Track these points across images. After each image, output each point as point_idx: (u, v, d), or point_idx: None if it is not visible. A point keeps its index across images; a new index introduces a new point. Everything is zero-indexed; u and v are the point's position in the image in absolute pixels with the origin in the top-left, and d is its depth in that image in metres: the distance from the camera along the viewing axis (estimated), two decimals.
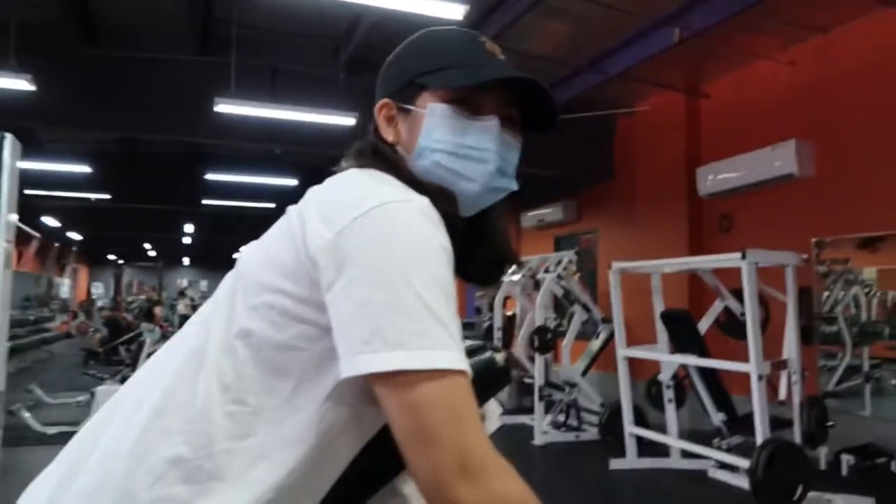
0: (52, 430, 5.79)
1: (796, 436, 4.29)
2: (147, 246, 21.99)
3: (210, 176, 9.61)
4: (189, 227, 16.04)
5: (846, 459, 4.86)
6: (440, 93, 0.84)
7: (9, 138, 3.70)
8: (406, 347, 0.65)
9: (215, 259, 28.03)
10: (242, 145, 8.19)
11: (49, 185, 9.39)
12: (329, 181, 0.82)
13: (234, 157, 9.64)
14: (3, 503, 3.68)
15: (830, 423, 4.61)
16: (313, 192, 0.80)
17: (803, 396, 4.41)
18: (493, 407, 0.96)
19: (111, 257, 25.39)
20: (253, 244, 0.84)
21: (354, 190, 0.77)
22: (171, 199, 11.01)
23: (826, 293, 5.63)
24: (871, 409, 5.29)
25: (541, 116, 0.89)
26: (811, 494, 3.95)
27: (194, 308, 18.58)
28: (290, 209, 0.80)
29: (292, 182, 9.63)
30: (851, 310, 5.51)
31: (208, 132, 6.65)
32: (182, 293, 21.40)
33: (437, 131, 0.84)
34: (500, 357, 0.91)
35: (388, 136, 0.88)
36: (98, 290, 22.64)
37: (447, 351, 0.66)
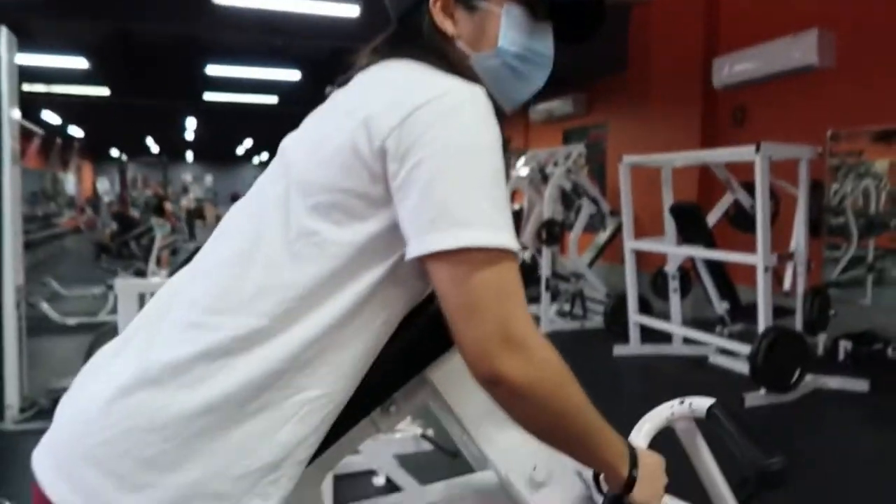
0: (71, 321, 5.99)
1: (797, 324, 4.39)
2: (150, 141, 21.77)
3: (211, 70, 9.35)
4: (191, 122, 15.82)
5: (844, 345, 5.02)
6: None
7: (3, 31, 3.58)
8: (472, 227, 0.68)
9: (219, 154, 27.81)
10: (242, 38, 7.92)
11: (47, 79, 9.18)
12: (379, 73, 0.82)
13: (235, 50, 9.34)
14: (34, 386, 3.87)
15: (832, 312, 4.72)
16: (367, 84, 0.80)
17: (807, 287, 4.49)
18: None
19: (114, 153, 25.20)
20: (295, 138, 0.83)
21: (414, 79, 0.77)
22: (172, 93, 10.77)
23: (836, 186, 5.60)
24: (872, 298, 5.39)
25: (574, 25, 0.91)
26: (808, 378, 4.11)
27: (197, 202, 18.66)
28: (339, 102, 0.80)
29: (295, 75, 9.38)
30: (860, 202, 5.50)
31: (207, 24, 6.41)
32: (185, 189, 21.37)
33: (513, 32, 0.85)
34: (526, 256, 0.93)
35: (448, 28, 0.85)
36: (103, 185, 22.58)
37: (504, 232, 0.70)
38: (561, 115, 8.94)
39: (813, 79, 5.50)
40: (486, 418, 0.91)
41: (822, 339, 5.08)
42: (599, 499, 0.91)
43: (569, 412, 0.75)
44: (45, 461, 0.72)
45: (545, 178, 6.81)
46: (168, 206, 11.67)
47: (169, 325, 0.74)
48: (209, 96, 10.59)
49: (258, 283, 0.73)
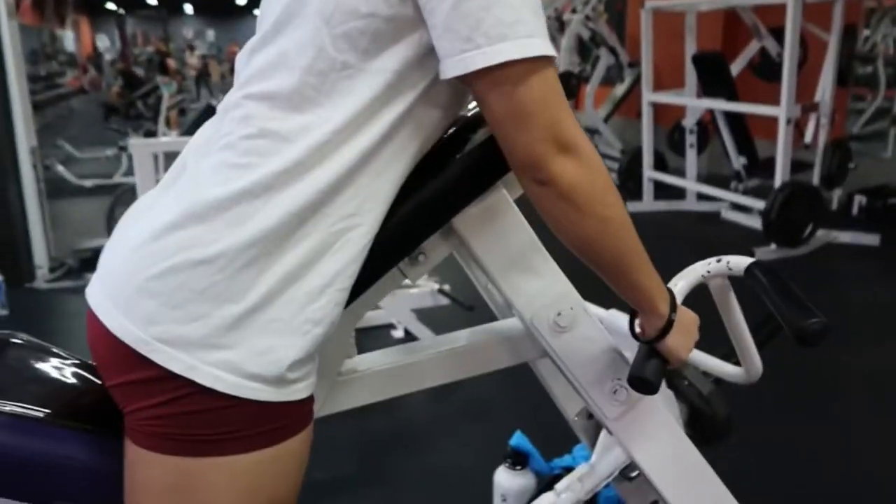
0: (88, 183, 6.04)
1: (815, 178, 4.35)
2: None
3: None
4: None
5: (858, 200, 4.99)
6: None
7: None
8: (508, 38, 0.67)
9: (220, 5, 26.61)
10: None
11: None
12: None
13: None
14: (60, 247, 3.98)
15: (852, 165, 4.65)
16: None
17: (828, 139, 4.39)
18: None
19: (111, 6, 24.12)
20: None
21: None
22: None
23: (866, 32, 5.32)
24: (893, 151, 5.30)
25: None
26: (820, 232, 4.13)
27: (203, 60, 18.08)
28: None
29: None
30: (891, 50, 5.25)
31: None
32: (190, 46, 20.63)
33: None
34: None
35: None
36: (103, 43, 21.83)
37: (542, 39, 0.69)
38: None
39: None
40: (512, 266, 0.93)
41: (837, 194, 5.05)
42: (628, 345, 0.93)
43: (614, 220, 0.76)
44: (99, 295, 0.74)
45: (562, 26, 6.50)
46: (171, 62, 11.35)
47: (210, 166, 0.74)
48: None
49: (295, 121, 0.73)
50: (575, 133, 0.72)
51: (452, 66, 0.69)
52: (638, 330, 0.90)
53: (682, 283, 1.02)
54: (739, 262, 0.99)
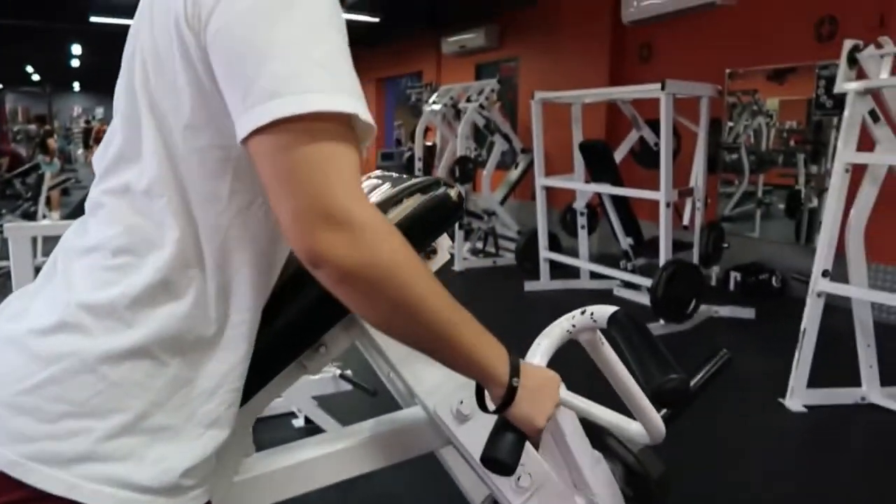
0: None
1: (695, 257, 4.67)
2: (30, 69, 19.96)
3: None
4: (77, 49, 14.58)
5: (734, 276, 5.40)
6: None
7: None
8: (279, 95, 0.59)
9: (111, 84, 25.89)
10: None
11: None
12: None
13: None
14: None
15: (725, 245, 5.04)
16: None
17: (704, 221, 4.76)
18: (445, 241, 1.00)
19: None
20: (131, 49, 0.75)
21: None
22: (53, 14, 9.85)
23: (731, 123, 5.89)
24: (760, 231, 5.79)
25: None
26: (702, 308, 4.40)
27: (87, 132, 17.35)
28: None
29: None
30: (752, 139, 5.82)
31: None
32: (88, 121, 19.82)
33: None
34: (454, 193, 0.93)
35: None
36: None
37: (324, 94, 0.60)
38: (473, 49, 8.85)
39: (714, 16, 5.67)
40: (413, 356, 0.92)
41: (715, 271, 5.44)
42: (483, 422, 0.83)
43: (409, 301, 0.65)
44: None
45: (458, 114, 6.78)
46: (52, 141, 10.83)
47: (82, 268, 0.71)
48: (97, 19, 9.76)
49: (157, 218, 0.70)
50: (348, 203, 0.60)
51: (237, 134, 0.62)
52: (489, 404, 0.82)
53: (545, 342, 0.93)
54: (603, 313, 0.91)
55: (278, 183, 0.61)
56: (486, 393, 0.81)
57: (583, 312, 0.93)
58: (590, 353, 0.97)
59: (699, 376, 1.00)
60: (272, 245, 0.76)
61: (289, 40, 0.60)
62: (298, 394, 2.63)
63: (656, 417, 0.95)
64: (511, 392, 0.77)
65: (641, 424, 0.95)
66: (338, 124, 0.61)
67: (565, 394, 0.86)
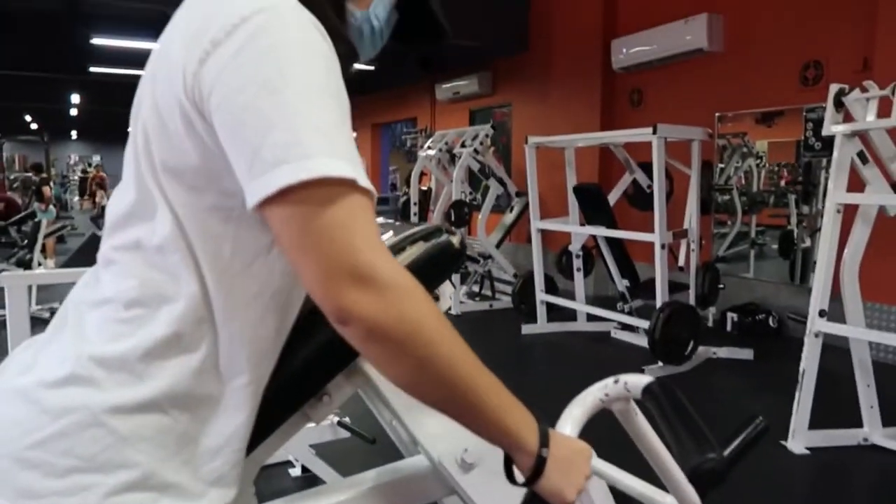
0: None
1: (691, 298, 4.68)
2: (28, 118, 20.17)
3: (97, 40, 8.76)
4: (76, 98, 14.77)
5: (731, 317, 5.40)
6: None
7: None
8: (286, 162, 0.59)
9: (109, 132, 26.17)
10: (132, 5, 7.45)
11: None
12: None
13: (124, 19, 8.78)
14: None
15: (721, 286, 5.05)
16: (177, 20, 0.72)
17: (699, 262, 4.78)
18: (447, 287, 1.00)
19: None
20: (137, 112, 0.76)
21: (222, 2, 0.66)
22: (52, 65, 10.00)
23: (722, 165, 5.97)
24: (754, 271, 5.81)
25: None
26: (700, 349, 4.39)
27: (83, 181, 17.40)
28: (155, 59, 0.72)
29: None
30: (743, 181, 5.90)
31: None
32: (85, 171, 19.92)
33: (381, 9, 0.84)
34: (455, 240, 0.94)
35: None
36: None
37: (330, 158, 0.60)
38: (467, 95, 9.01)
39: (703, 62, 5.81)
40: (418, 404, 0.92)
41: (711, 312, 5.44)
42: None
43: (436, 360, 0.65)
44: None
45: (453, 159, 6.86)
46: (47, 189, 10.87)
47: (95, 320, 0.71)
48: (96, 69, 9.92)
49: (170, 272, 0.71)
50: (374, 260, 0.61)
51: (248, 203, 0.62)
52: (517, 476, 0.77)
53: (577, 412, 0.90)
54: (637, 383, 0.89)
55: (300, 246, 0.61)
56: (514, 464, 0.77)
57: (616, 381, 0.91)
58: (622, 424, 0.94)
59: (733, 446, 0.94)
60: (279, 304, 0.76)
61: (290, 109, 0.61)
62: (296, 442, 2.59)
63: (691, 491, 0.90)
64: (540, 463, 0.73)
65: (675, 499, 0.90)
66: (347, 186, 0.61)
67: (596, 461, 0.83)
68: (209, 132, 0.65)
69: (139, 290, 0.70)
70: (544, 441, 0.73)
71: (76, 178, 17.61)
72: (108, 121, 21.38)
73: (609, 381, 0.90)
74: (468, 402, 0.69)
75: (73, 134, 25.80)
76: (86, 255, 4.03)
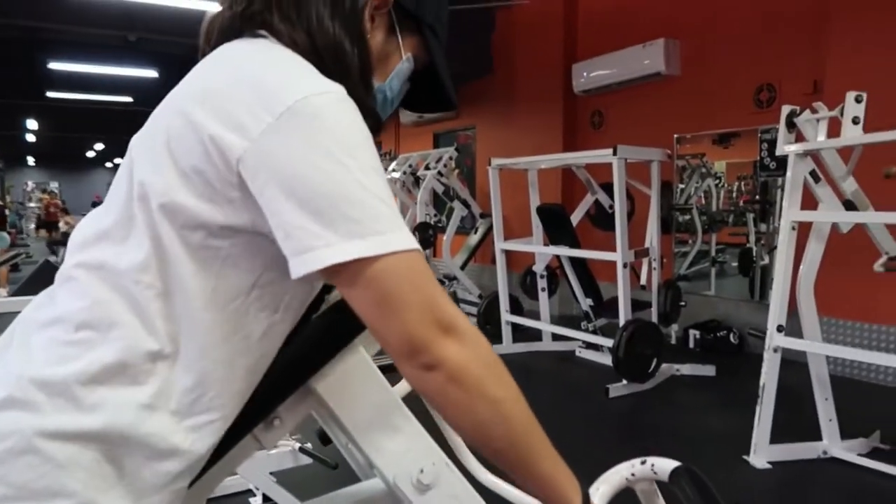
0: None
1: (654, 316, 4.73)
2: None
3: (54, 65, 8.63)
4: (32, 124, 14.48)
5: (693, 334, 5.48)
6: (415, 41, 0.88)
7: None
8: (361, 236, 0.65)
9: (67, 158, 25.71)
10: (90, 32, 7.36)
11: None
12: (222, 60, 0.75)
13: (82, 45, 8.67)
14: None
15: (683, 304, 5.12)
16: (206, 80, 0.73)
17: (661, 281, 4.85)
18: None
19: None
20: (134, 146, 0.76)
21: (265, 77, 0.70)
22: (8, 90, 9.81)
23: (681, 185, 6.10)
24: (715, 289, 5.92)
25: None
26: (663, 366, 4.43)
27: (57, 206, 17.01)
28: (178, 105, 0.72)
29: (151, 73, 8.86)
30: (702, 200, 6.03)
31: (48, 15, 5.90)
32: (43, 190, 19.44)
33: (396, 82, 0.88)
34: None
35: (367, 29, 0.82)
36: None
37: (399, 232, 0.67)
38: (431, 119, 9.07)
39: (661, 85, 5.95)
40: (372, 425, 0.91)
41: (674, 329, 5.51)
42: None
43: (507, 399, 0.71)
44: None
45: (417, 181, 6.89)
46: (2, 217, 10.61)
47: (41, 341, 0.68)
48: (54, 94, 9.76)
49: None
50: (454, 312, 0.69)
51: (300, 264, 0.66)
52: None
53: (604, 488, 0.95)
54: (664, 466, 0.93)
55: (385, 305, 0.66)
56: None
57: (643, 462, 0.95)
58: (642, 502, 0.99)
59: None
60: (254, 348, 0.76)
61: (358, 185, 0.66)
62: (255, 469, 2.53)
63: None
64: None
65: None
66: (415, 253, 0.68)
67: None
68: (241, 197, 0.68)
69: (90, 311, 0.68)
70: (586, 501, 0.76)
71: (33, 205, 17.18)
72: (66, 147, 21.01)
73: (636, 461, 0.95)
74: (526, 448, 0.73)
75: (31, 160, 25.25)
76: (38, 283, 3.91)
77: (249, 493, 2.76)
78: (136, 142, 0.77)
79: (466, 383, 0.68)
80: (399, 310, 0.66)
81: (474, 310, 6.16)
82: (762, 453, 3.12)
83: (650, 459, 0.95)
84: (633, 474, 0.95)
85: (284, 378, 0.86)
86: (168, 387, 0.69)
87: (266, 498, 2.66)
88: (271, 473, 2.56)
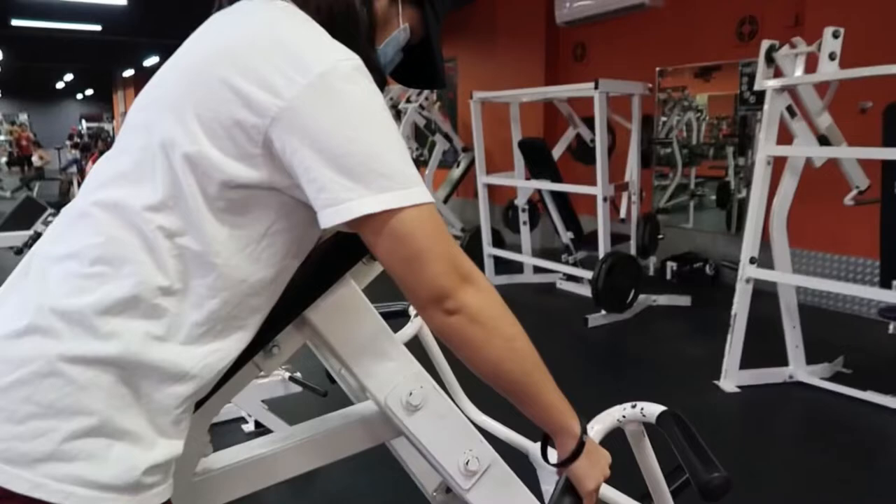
0: None
1: (633, 248, 4.83)
2: None
3: None
4: None
5: (670, 266, 5.61)
6: (413, 13, 0.92)
7: None
8: (389, 189, 0.73)
9: (36, 89, 24.90)
10: None
11: None
12: (246, 19, 0.79)
13: None
14: None
15: (661, 236, 5.23)
16: (231, 38, 0.77)
17: (640, 214, 4.93)
18: None
19: None
20: (154, 98, 0.80)
21: (297, 42, 0.75)
22: None
23: (663, 119, 6.11)
24: (693, 222, 6.02)
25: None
26: (641, 297, 4.56)
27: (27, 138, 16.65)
28: (203, 59, 0.77)
29: (120, 0, 8.54)
30: (683, 133, 6.05)
31: None
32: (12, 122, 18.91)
33: (390, 49, 0.91)
34: None
35: None
36: None
37: (419, 187, 0.75)
38: None
39: (644, 18, 5.87)
40: (364, 352, 0.97)
41: (652, 261, 5.64)
42: (546, 474, 0.93)
43: (518, 337, 0.81)
44: None
45: (399, 115, 6.82)
46: None
47: (58, 273, 0.73)
48: (19, 22, 9.38)
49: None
50: (470, 264, 0.79)
51: (332, 215, 0.73)
52: (550, 456, 0.92)
53: (598, 427, 1.06)
54: (652, 410, 1.03)
55: (413, 258, 0.75)
56: (549, 448, 0.92)
57: (634, 406, 1.04)
58: (631, 444, 1.08)
59: None
60: (266, 288, 0.81)
61: (384, 145, 0.74)
62: (247, 398, 2.63)
63: None
64: (580, 447, 0.87)
65: None
66: (432, 206, 0.76)
67: (605, 488, 0.95)
68: (262, 154, 0.73)
69: (104, 247, 0.72)
70: (584, 431, 0.88)
71: (2, 137, 16.72)
72: (35, 77, 20.30)
73: (627, 405, 1.05)
74: (535, 382, 0.83)
75: None
76: (21, 219, 3.90)
77: (242, 420, 2.87)
78: (153, 92, 0.80)
79: (485, 323, 0.78)
80: (427, 263, 0.75)
81: (458, 243, 6.22)
82: (732, 378, 3.28)
83: (640, 404, 1.05)
84: (623, 416, 1.05)
85: (283, 308, 0.92)
86: (178, 321, 0.74)
87: (258, 424, 2.77)
88: (263, 401, 2.66)
